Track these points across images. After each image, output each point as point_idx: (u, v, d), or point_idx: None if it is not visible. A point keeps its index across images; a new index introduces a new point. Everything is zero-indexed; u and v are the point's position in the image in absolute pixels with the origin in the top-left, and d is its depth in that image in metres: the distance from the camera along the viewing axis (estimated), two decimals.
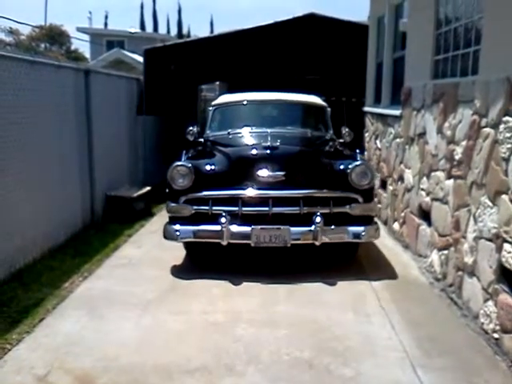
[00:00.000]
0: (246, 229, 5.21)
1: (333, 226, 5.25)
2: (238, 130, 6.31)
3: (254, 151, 5.52)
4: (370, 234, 5.41)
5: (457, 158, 4.59)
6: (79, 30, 31.67)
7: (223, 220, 5.14)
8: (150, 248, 6.44)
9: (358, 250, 5.87)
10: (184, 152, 5.85)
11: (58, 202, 6.17)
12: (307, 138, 6.27)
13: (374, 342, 3.95)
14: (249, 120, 6.59)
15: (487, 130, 3.98)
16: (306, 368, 3.55)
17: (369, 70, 8.91)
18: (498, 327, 3.67)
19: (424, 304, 4.70)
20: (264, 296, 4.87)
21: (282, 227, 5.20)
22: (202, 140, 6.67)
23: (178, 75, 10.48)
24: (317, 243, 5.20)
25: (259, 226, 5.20)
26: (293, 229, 5.21)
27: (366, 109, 8.88)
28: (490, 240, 3.86)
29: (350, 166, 5.38)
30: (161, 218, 7.96)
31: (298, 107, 7.14)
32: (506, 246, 3.57)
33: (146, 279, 5.29)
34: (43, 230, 5.76)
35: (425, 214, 5.54)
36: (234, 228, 5.22)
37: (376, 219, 5.69)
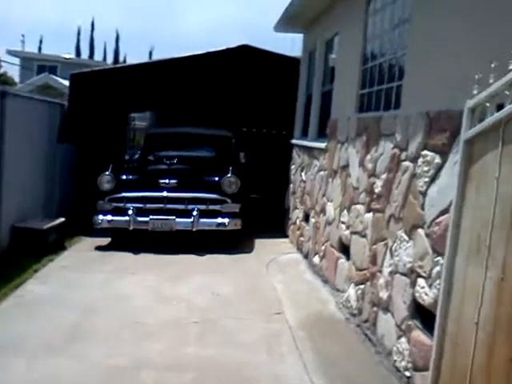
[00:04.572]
0: (146, 219, 7.58)
1: (206, 219, 7.62)
2: (158, 153, 8.76)
3: (159, 167, 8.15)
4: (233, 224, 7.70)
5: (376, 191, 4.55)
6: (10, 52, 30.34)
7: (130, 212, 7.57)
8: (57, 285, 5.93)
9: (269, 280, 6.48)
10: (111, 165, 8.01)
11: None
12: (206, 158, 8.75)
13: (284, 383, 3.73)
14: (169, 147, 9.07)
15: (406, 163, 3.96)
16: None
17: (298, 103, 8.97)
18: (410, 365, 3.56)
19: (339, 341, 4.57)
20: (173, 338, 4.56)
21: (169, 217, 7.57)
22: (133, 158, 9.61)
23: (105, 102, 10.04)
24: (193, 229, 7.56)
25: (155, 217, 7.58)
26: (178, 219, 7.56)
27: (294, 141, 8.89)
28: (404, 275, 3.79)
29: (222, 177, 7.80)
30: (73, 252, 7.55)
31: (209, 138, 9.59)
32: (420, 280, 3.50)
33: (47, 320, 4.81)
34: None
35: (344, 248, 5.47)
36: (138, 218, 7.57)
37: (239, 215, 7.86)
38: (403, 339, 3.71)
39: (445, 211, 3.22)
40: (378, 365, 4.00)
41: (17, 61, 30.50)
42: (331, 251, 5.90)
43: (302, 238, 7.61)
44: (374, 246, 4.48)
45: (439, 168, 3.40)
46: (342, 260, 5.46)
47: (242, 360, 4.14)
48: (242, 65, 9.82)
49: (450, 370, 2.71)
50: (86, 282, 6.06)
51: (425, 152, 3.63)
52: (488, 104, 2.61)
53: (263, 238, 8.60)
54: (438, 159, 3.42)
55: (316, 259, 6.58)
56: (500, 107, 2.53)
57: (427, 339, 3.30)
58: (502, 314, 2.26)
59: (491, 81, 2.55)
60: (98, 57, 44.67)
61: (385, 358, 4.01)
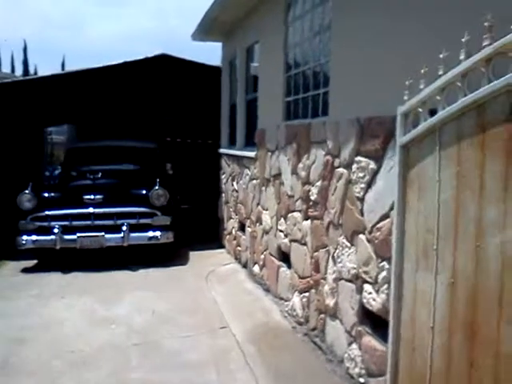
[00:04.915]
0: (73, 236, 7.31)
1: (137, 233, 7.45)
2: (81, 168, 8.42)
3: (83, 182, 7.88)
4: (165, 237, 7.60)
5: (312, 198, 4.55)
6: None
7: (56, 231, 7.26)
8: None
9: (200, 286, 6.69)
10: (31, 184, 7.63)
11: None
12: (132, 171, 8.51)
13: None
14: (92, 161, 8.66)
15: (340, 170, 3.98)
16: None
17: (223, 112, 8.89)
18: (363, 371, 3.56)
19: (289, 352, 4.51)
20: (114, 364, 4.31)
21: (98, 234, 7.35)
22: (54, 175, 9.46)
23: (17, 116, 9.47)
24: (124, 245, 7.36)
25: (83, 234, 7.33)
26: (107, 235, 7.35)
27: (222, 150, 8.80)
28: (350, 281, 3.80)
29: (150, 190, 7.64)
30: None
31: (133, 150, 9.22)
32: (367, 286, 3.51)
33: None
34: None
35: (284, 256, 5.44)
36: (65, 236, 7.29)
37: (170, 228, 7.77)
38: (354, 345, 3.71)
39: (385, 216, 3.25)
40: (331, 373, 3.98)
41: None
42: (271, 260, 5.86)
43: (239, 248, 7.53)
44: (316, 254, 4.47)
45: (374, 173, 3.43)
46: (284, 268, 5.43)
47: (191, 382, 3.98)
48: (161, 74, 9.64)
49: (409, 375, 2.72)
50: (12, 310, 5.64)
51: (358, 158, 3.65)
52: (420, 109, 2.64)
53: (199, 250, 8.47)
54: (372, 165, 3.45)
55: (256, 268, 6.52)
56: (432, 112, 2.56)
57: (379, 345, 3.32)
58: (456, 318, 2.28)
59: (422, 86, 2.59)
60: (5, 68, 42.31)
61: (337, 365, 4.00)
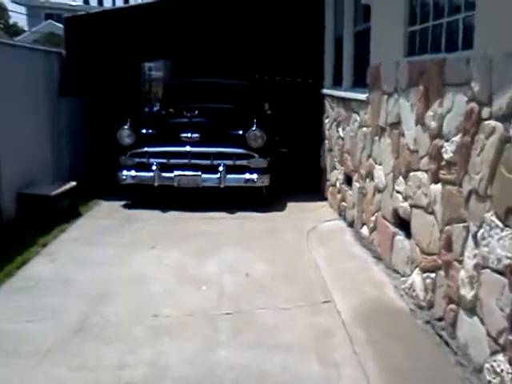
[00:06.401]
0: (171, 174, 7.24)
1: (234, 175, 7.23)
2: (179, 105, 8.26)
3: (180, 120, 7.78)
4: (262, 180, 7.31)
5: (446, 157, 3.56)
6: (14, 1, 29.65)
7: (154, 168, 7.21)
8: (66, 263, 5.28)
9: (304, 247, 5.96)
10: (129, 119, 7.52)
11: None
12: (229, 110, 8.24)
13: None
14: (190, 98, 8.55)
15: (492, 122, 2.95)
16: None
17: (326, 47, 7.85)
18: None
19: (407, 343, 3.72)
20: (201, 337, 3.82)
21: (195, 173, 7.22)
22: (152, 111, 9.76)
23: (111, 50, 9.01)
24: (221, 186, 7.17)
25: (180, 172, 7.24)
26: (204, 175, 7.21)
27: (325, 91, 7.82)
28: (500, 273, 2.85)
29: (247, 131, 7.32)
30: (89, 219, 6.87)
31: (230, 88, 8.89)
32: None
33: (49, 312, 4.13)
34: None
35: (402, 222, 4.54)
36: (163, 174, 7.23)
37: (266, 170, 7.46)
38: (501, 357, 2.82)
39: None
40: (465, 382, 3.15)
41: (23, 10, 30.15)
42: (384, 224, 4.98)
43: (344, 204, 6.68)
44: (448, 228, 3.53)
45: None
46: (400, 237, 4.54)
47: (287, 371, 3.38)
48: (260, 3, 8.70)
49: None
50: (99, 259, 5.38)
51: None
52: None
53: (298, 201, 7.78)
54: None
55: (364, 230, 5.68)
56: None
57: None
58: None
59: None
60: (107, 3, 42.46)
61: (472, 374, 3.13)
